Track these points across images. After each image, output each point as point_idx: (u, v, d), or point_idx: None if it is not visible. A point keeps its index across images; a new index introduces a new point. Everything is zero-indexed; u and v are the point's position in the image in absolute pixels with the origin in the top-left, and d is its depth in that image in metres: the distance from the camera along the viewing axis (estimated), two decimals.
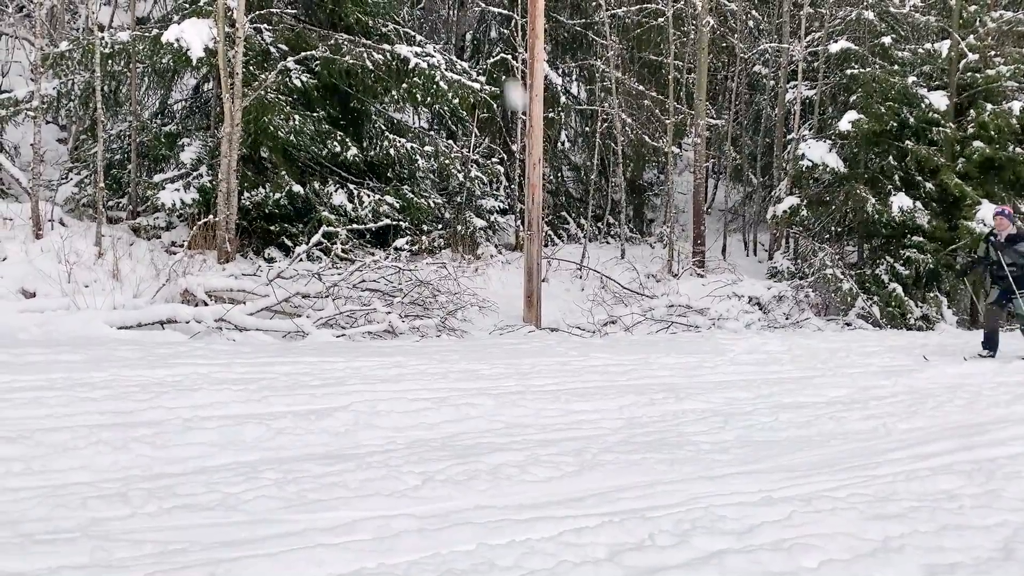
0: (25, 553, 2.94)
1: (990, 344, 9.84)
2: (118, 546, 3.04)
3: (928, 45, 16.31)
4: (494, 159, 16.12)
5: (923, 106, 15.12)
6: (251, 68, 12.17)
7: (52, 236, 10.91)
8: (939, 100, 15.15)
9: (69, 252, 10.40)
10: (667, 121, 16.47)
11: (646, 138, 17.47)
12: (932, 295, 14.73)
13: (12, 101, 12.48)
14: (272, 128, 12.02)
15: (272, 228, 12.69)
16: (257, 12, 12.38)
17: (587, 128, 18.24)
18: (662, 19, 16.69)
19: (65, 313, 9.31)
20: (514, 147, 16.20)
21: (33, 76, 12.04)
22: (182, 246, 11.71)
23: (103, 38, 12.16)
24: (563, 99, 17.20)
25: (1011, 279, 9.70)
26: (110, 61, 12.34)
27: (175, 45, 11.42)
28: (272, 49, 12.81)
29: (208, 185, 12.07)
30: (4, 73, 15.29)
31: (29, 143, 11.99)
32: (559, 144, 18.15)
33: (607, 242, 17.50)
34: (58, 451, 4.19)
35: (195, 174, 12.30)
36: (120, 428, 4.65)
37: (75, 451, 4.21)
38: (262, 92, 11.82)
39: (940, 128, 15.07)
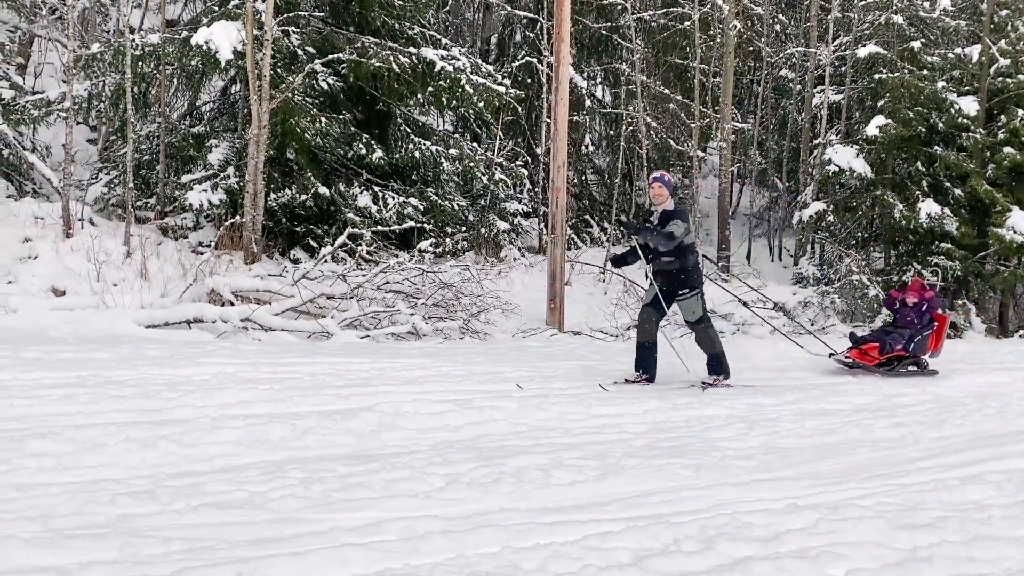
0: (56, 548, 2.97)
1: (643, 363, 7.16)
2: (147, 542, 3.07)
3: (958, 50, 16.12)
4: (518, 162, 16.14)
5: (952, 111, 14.95)
6: (278, 70, 12.27)
7: (82, 235, 11.05)
8: (969, 105, 14.97)
9: (98, 251, 10.53)
10: (692, 125, 16.41)
11: (671, 142, 17.42)
12: (960, 303, 14.56)
13: (44, 102, 12.67)
14: (299, 130, 12.10)
15: (298, 229, 12.78)
16: (285, 15, 12.48)
17: (611, 131, 18.21)
18: (688, 23, 16.64)
19: (94, 311, 9.43)
20: (538, 150, 16.21)
21: (65, 78, 12.21)
22: (209, 246, 11.84)
23: (134, 40, 12.32)
24: (588, 103, 17.17)
25: (652, 276, 7.20)
26: (140, 63, 12.49)
27: (204, 47, 11.55)
28: (299, 52, 12.91)
29: (235, 186, 12.19)
30: (36, 75, 15.51)
31: (60, 143, 12.17)
32: (583, 147, 18.12)
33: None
34: (88, 448, 4.24)
35: (222, 175, 12.42)
36: (148, 426, 4.70)
37: (104, 448, 4.26)
38: (289, 94, 11.90)
39: (970, 134, 14.89)
